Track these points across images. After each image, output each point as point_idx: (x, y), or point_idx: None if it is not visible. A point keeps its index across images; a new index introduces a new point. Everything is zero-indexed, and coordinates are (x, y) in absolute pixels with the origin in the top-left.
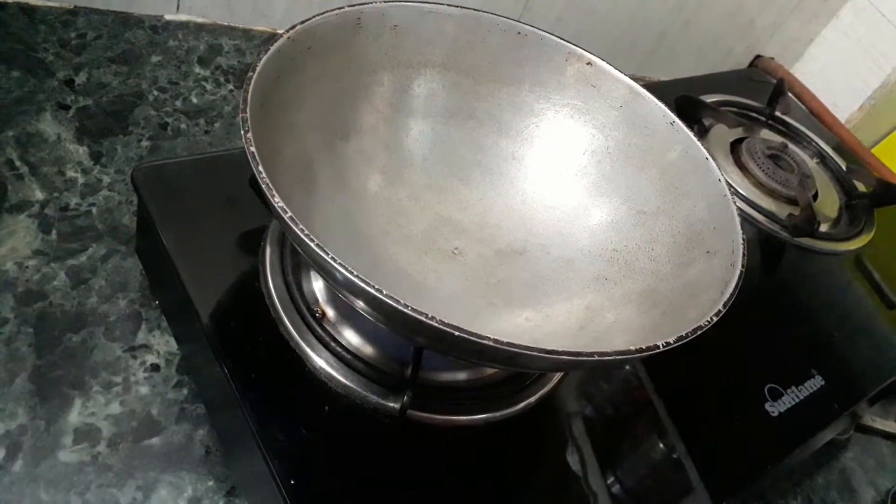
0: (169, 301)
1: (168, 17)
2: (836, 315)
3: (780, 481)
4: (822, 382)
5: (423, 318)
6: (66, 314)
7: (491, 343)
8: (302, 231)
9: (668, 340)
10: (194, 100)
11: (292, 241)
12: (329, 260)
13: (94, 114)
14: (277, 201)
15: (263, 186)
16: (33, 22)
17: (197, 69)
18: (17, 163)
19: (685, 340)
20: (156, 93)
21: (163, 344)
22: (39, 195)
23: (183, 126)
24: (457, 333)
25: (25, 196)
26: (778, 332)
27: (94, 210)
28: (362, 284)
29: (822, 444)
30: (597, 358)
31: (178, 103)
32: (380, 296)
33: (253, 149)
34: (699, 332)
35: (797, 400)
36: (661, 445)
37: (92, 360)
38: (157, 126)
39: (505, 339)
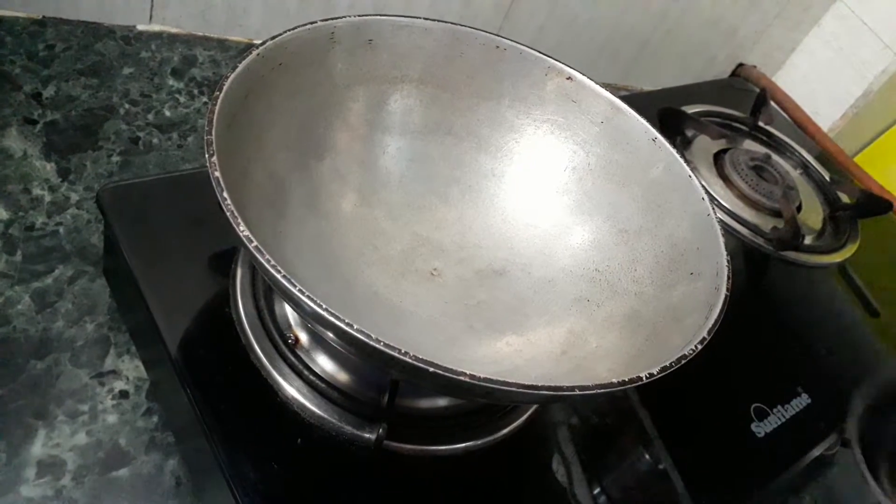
0: (136, 326)
1: (141, 27)
2: (822, 329)
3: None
4: (809, 401)
5: (395, 354)
6: (29, 340)
7: (467, 378)
8: (268, 262)
9: (651, 371)
10: (167, 113)
11: (260, 272)
12: (296, 292)
13: (63, 128)
14: (243, 230)
15: (228, 214)
16: None
17: (170, 81)
18: None
19: (669, 371)
20: (127, 106)
21: (132, 369)
22: (4, 214)
23: (155, 140)
24: (431, 370)
25: None
26: (763, 348)
27: (62, 230)
28: (331, 318)
29: (808, 462)
30: (578, 392)
31: (151, 117)
32: (350, 330)
33: (218, 174)
34: (683, 362)
35: (783, 419)
36: (648, 457)
37: (57, 388)
38: (129, 140)
39: (481, 374)
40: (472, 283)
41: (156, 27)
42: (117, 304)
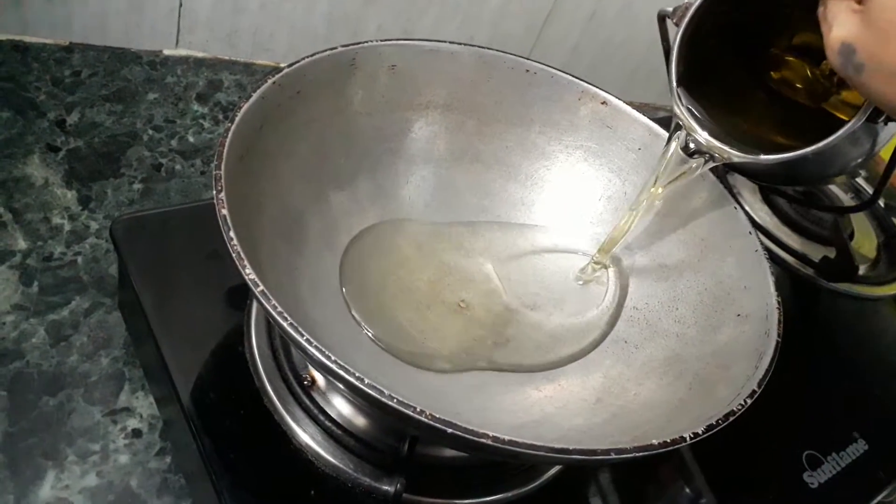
0: (147, 363)
1: (167, 52)
2: (879, 368)
3: None
4: (866, 447)
5: (410, 413)
6: (43, 375)
7: (489, 441)
8: (274, 308)
9: (696, 431)
10: (191, 139)
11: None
12: (304, 342)
13: (85, 156)
14: (248, 273)
15: (234, 256)
16: (26, 60)
17: (195, 106)
18: (1, 210)
19: (715, 430)
20: (151, 132)
21: (146, 406)
22: (22, 244)
23: (178, 167)
24: (449, 430)
25: (7, 245)
26: (814, 389)
27: (80, 259)
28: (340, 371)
29: None
30: (614, 456)
31: (174, 143)
32: (360, 385)
33: (225, 211)
34: (731, 419)
35: (839, 468)
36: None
37: (69, 426)
38: (151, 167)
39: (506, 437)
40: (502, 319)
41: (182, 52)
42: (132, 338)
